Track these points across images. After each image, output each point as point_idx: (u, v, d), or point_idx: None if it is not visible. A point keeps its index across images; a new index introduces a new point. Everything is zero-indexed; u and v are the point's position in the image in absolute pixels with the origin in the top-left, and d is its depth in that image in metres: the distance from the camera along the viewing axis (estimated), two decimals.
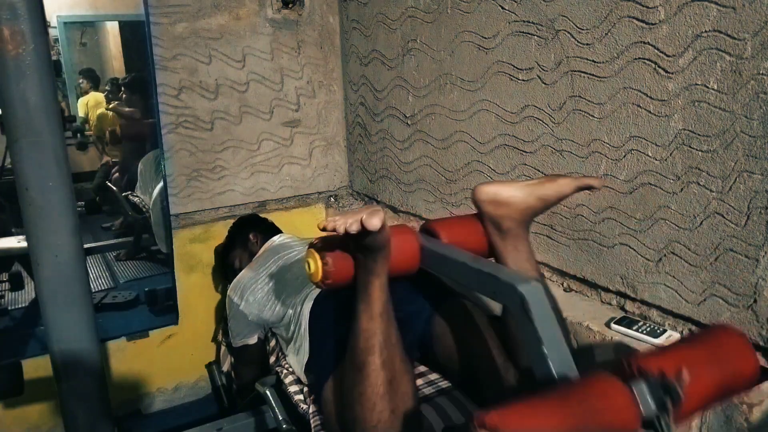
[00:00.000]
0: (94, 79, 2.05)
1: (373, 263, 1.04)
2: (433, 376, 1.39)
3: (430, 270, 1.13)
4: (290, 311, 1.51)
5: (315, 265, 1.08)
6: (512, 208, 1.10)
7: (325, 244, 1.09)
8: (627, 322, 1.22)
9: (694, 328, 1.16)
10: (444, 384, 1.36)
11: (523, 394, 0.63)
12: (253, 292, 1.67)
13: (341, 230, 0.95)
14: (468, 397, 1.32)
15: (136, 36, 1.86)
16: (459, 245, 1.12)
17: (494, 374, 1.18)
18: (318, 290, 1.44)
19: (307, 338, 1.38)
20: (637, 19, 1.14)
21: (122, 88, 2.05)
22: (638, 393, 0.62)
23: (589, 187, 1.10)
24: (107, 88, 2.06)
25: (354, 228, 0.94)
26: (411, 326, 1.33)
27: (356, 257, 1.06)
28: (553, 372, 0.78)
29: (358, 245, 1.03)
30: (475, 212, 1.18)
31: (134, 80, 2.05)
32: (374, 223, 0.94)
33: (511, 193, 1.10)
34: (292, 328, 1.49)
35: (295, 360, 1.45)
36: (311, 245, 1.10)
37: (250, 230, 1.98)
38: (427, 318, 1.34)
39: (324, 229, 0.98)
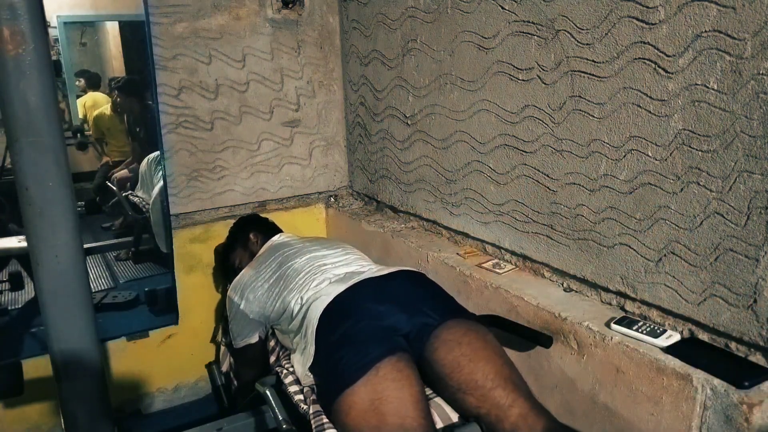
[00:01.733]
0: (91, 79, 2.05)
1: None
2: None
3: None
4: (292, 306, 1.51)
5: None
6: None
7: None
8: (627, 322, 1.22)
9: (694, 327, 1.16)
10: None
11: None
12: (254, 289, 1.67)
13: None
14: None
15: (136, 36, 1.86)
16: None
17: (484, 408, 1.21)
18: (329, 297, 1.43)
19: (314, 344, 1.37)
20: (637, 19, 1.14)
21: (115, 92, 2.05)
22: None
23: None
24: (110, 90, 2.06)
25: None
26: (417, 341, 1.35)
27: None
28: None
29: None
30: None
31: (126, 83, 2.05)
32: None
33: None
34: (294, 323, 1.48)
35: (298, 359, 1.44)
36: None
37: (251, 230, 1.98)
38: (429, 334, 1.35)
39: None
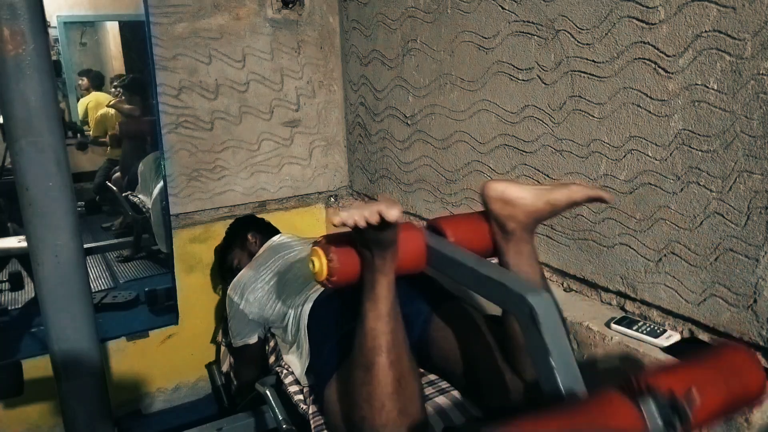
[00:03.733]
0: (94, 79, 2.05)
1: (381, 261, 1.01)
2: (433, 377, 1.39)
3: (436, 270, 1.09)
4: (291, 312, 1.51)
5: (319, 262, 1.03)
6: (519, 210, 1.05)
7: (329, 242, 1.04)
8: (627, 322, 1.22)
9: (694, 327, 1.16)
10: (444, 384, 1.36)
11: (528, 407, 0.61)
12: (254, 291, 1.67)
13: (361, 223, 0.90)
14: (467, 397, 1.32)
15: (136, 36, 1.86)
16: (464, 244, 1.08)
17: (495, 379, 1.17)
18: (317, 293, 1.44)
19: (307, 340, 1.38)
20: (637, 19, 1.14)
21: (120, 90, 2.05)
22: (647, 412, 0.59)
23: (601, 200, 1.05)
24: (112, 89, 2.06)
25: (374, 219, 0.90)
26: (409, 328, 1.33)
27: (363, 255, 1.02)
28: (560, 385, 0.76)
29: (367, 241, 0.99)
30: (483, 210, 1.14)
31: (132, 81, 2.05)
32: (394, 214, 0.90)
33: (519, 194, 1.05)
34: (292, 330, 1.49)
35: (298, 362, 1.45)
36: (315, 243, 1.06)
37: (249, 231, 1.98)
38: (425, 320, 1.34)
39: (340, 225, 0.92)
